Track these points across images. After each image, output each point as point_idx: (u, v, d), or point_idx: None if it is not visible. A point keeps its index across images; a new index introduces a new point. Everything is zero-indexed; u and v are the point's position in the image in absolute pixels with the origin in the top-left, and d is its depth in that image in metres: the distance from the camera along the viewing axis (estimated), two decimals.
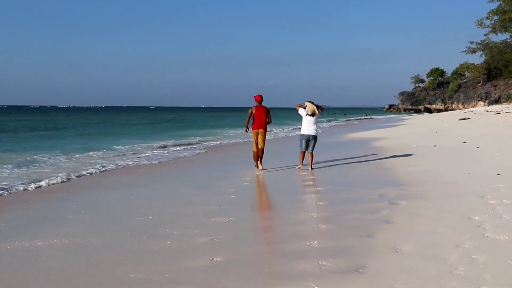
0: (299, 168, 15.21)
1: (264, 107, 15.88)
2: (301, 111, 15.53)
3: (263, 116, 15.74)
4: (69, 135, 38.62)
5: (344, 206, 9.27)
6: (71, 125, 60.06)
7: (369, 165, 15.35)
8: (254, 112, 15.80)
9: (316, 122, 15.46)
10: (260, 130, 15.72)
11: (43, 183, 13.42)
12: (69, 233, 7.99)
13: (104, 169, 16.79)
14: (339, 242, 6.86)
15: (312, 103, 15.42)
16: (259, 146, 15.60)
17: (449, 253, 6.10)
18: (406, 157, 17.01)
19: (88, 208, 10.12)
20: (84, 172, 15.68)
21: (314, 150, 15.39)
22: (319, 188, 11.79)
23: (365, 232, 7.30)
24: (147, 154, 22.48)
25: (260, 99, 15.86)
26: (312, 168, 14.97)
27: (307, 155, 15.32)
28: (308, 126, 15.33)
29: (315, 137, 15.32)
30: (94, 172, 16.05)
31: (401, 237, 6.94)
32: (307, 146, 15.29)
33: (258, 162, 15.60)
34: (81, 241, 7.51)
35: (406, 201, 9.39)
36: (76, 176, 14.90)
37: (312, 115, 15.33)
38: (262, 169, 15.28)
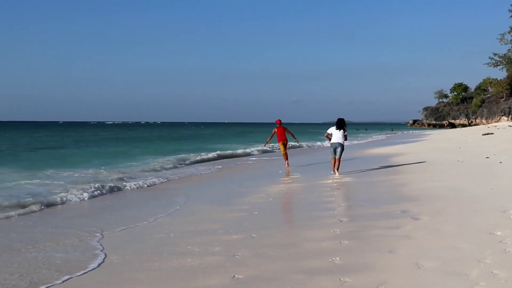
0: (332, 173, 18.00)
1: (283, 127, 22.84)
2: (329, 129, 18.80)
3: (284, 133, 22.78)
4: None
5: (367, 222, 9.25)
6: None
7: (391, 181, 15.29)
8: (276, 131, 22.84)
9: (342, 135, 18.32)
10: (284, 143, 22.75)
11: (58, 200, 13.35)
12: None
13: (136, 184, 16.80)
14: (361, 258, 6.85)
15: (342, 120, 18.55)
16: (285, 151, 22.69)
17: (471, 268, 6.07)
18: (429, 172, 16.89)
19: (107, 226, 10.19)
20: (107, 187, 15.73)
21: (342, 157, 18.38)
22: (342, 204, 11.77)
23: (387, 248, 7.29)
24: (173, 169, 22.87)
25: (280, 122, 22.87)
26: (338, 172, 17.87)
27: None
28: (335, 137, 18.35)
29: (341, 145, 18.17)
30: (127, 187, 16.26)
31: (423, 253, 6.91)
32: (335, 153, 18.14)
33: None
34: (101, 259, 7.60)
35: (428, 217, 9.34)
36: (99, 193, 14.94)
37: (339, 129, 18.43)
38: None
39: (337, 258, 6.88)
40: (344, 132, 18.46)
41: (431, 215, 9.52)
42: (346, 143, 18.54)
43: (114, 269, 7.04)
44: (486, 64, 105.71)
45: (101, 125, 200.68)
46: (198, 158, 28.84)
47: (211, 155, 30.63)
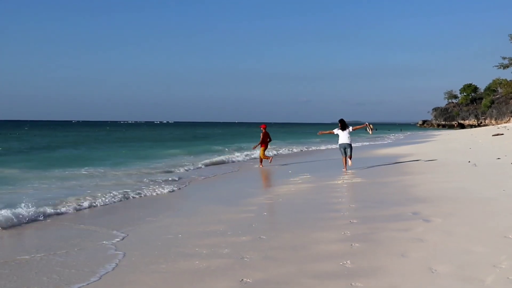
0: (344, 170, 19.35)
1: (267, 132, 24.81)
2: (335, 130, 20.11)
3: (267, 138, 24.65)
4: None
5: (378, 224, 9.10)
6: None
7: (401, 182, 15.13)
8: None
9: (349, 135, 19.80)
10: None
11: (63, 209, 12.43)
12: None
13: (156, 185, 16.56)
14: (372, 262, 6.71)
15: (343, 121, 19.98)
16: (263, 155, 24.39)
17: (486, 274, 5.91)
18: (439, 173, 16.72)
19: (115, 227, 10.06)
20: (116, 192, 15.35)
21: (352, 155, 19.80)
22: (352, 205, 11.62)
23: (399, 251, 7.14)
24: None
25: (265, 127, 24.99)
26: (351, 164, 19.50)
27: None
28: (342, 138, 19.71)
29: (349, 145, 19.63)
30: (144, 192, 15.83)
31: (436, 257, 6.76)
32: (345, 153, 19.57)
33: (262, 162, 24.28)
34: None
35: (440, 219, 9.17)
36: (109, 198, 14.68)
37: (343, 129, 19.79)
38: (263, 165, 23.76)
39: (348, 262, 6.74)
40: (349, 130, 19.90)
41: (443, 217, 9.35)
42: (355, 144, 19.07)
43: (120, 271, 6.95)
44: (496, 66, 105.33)
45: (114, 125, 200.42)
46: (217, 158, 28.15)
47: (233, 155, 30.07)
